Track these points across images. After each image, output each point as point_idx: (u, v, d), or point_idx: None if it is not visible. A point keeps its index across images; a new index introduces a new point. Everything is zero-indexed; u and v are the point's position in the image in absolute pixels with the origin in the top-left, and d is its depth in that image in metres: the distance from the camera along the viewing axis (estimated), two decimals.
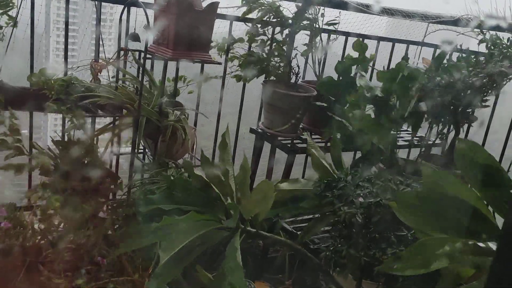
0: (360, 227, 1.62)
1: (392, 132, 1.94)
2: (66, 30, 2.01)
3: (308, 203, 1.85)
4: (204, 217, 1.55)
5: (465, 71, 1.92)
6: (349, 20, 2.53)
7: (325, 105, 2.00)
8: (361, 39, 2.12)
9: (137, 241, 1.52)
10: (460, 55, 2.00)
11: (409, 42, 2.65)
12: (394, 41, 2.62)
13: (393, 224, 1.60)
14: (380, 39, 2.53)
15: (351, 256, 1.62)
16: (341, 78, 2.06)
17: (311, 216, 2.03)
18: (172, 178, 1.67)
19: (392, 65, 2.54)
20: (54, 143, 1.72)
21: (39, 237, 1.63)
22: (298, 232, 2.02)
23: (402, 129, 2.43)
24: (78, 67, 2.06)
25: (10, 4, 1.74)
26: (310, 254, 1.78)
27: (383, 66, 2.25)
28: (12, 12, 1.78)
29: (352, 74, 2.06)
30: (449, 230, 1.20)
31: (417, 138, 2.35)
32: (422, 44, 2.64)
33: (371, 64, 2.20)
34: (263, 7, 2.06)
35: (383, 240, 1.61)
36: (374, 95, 1.89)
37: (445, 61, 1.99)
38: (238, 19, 2.14)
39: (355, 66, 2.06)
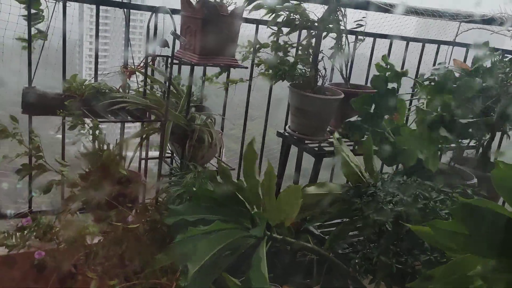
0: (391, 234, 1.58)
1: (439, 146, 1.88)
2: (96, 37, 2.06)
3: (336, 207, 1.82)
4: (229, 226, 1.55)
5: (502, 74, 1.85)
6: (377, 21, 2.48)
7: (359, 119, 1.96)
8: (386, 54, 2.06)
9: (164, 256, 1.53)
10: (495, 58, 1.93)
11: (440, 42, 2.58)
12: (423, 41, 2.55)
13: None
14: (409, 39, 2.47)
15: (381, 263, 1.58)
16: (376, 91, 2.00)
17: (339, 221, 2.00)
18: (194, 189, 1.67)
19: (422, 66, 2.47)
20: (81, 155, 1.76)
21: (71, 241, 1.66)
22: (326, 237, 1.99)
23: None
24: (108, 73, 2.11)
25: (40, 18, 1.80)
26: (337, 260, 1.75)
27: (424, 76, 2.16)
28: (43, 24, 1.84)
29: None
30: (482, 249, 1.14)
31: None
32: (454, 44, 2.56)
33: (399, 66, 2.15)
34: (288, 11, 2.04)
35: (415, 247, 1.56)
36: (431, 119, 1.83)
37: (480, 62, 1.92)
38: (264, 23, 2.14)
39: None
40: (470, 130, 1.87)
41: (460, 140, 2.06)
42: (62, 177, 1.68)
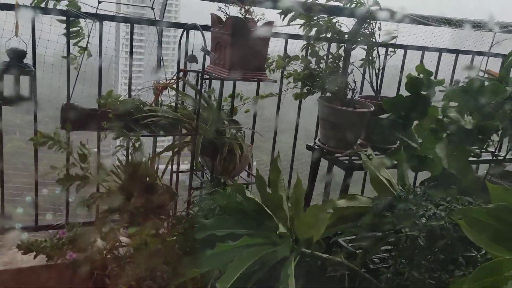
0: (423, 249, 1.54)
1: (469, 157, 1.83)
2: (131, 54, 2.13)
3: (366, 221, 1.79)
4: (257, 241, 1.55)
5: None
6: (408, 32, 2.45)
7: (384, 117, 1.93)
8: (423, 63, 2.04)
9: (194, 270, 1.55)
10: None
11: (474, 53, 2.52)
12: (457, 52, 2.50)
13: (460, 245, 1.51)
14: (442, 50, 2.43)
15: (414, 278, 1.54)
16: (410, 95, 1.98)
17: (371, 234, 1.97)
18: (224, 202, 1.69)
19: (456, 77, 2.42)
20: (116, 167, 1.81)
21: (105, 252, 1.71)
22: (357, 251, 1.96)
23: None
24: (141, 88, 2.17)
25: (81, 36, 1.88)
26: (369, 276, 1.72)
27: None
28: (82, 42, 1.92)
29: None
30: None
31: (487, 153, 2.21)
32: (489, 54, 2.49)
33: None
34: (319, 24, 2.05)
35: (449, 262, 1.52)
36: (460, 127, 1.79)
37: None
38: (293, 37, 2.16)
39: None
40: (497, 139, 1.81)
41: (495, 152, 1.99)
42: (98, 192, 1.73)
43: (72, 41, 1.93)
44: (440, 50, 2.43)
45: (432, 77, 2.04)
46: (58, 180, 1.79)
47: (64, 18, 1.88)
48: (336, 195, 2.12)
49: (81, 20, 1.93)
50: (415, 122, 1.96)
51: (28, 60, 1.85)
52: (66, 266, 1.69)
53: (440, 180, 1.83)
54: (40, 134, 1.78)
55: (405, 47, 2.39)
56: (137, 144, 1.77)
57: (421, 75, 1.92)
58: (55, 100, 2.23)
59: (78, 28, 1.93)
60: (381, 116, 1.97)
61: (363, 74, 2.25)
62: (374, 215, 1.73)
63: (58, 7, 1.86)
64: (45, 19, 1.90)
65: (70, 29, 1.91)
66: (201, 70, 1.98)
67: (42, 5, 1.85)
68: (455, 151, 1.75)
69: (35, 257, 1.69)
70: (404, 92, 2.02)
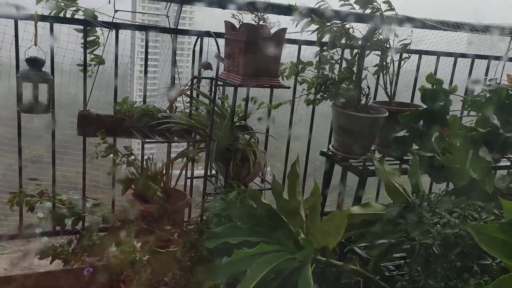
0: (438, 256, 1.52)
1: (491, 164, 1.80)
2: (146, 61, 2.16)
3: (380, 228, 1.78)
4: (273, 248, 1.55)
5: None
6: (422, 37, 2.43)
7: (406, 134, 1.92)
8: (432, 72, 2.02)
9: (210, 278, 1.55)
10: None
11: (491, 58, 2.49)
12: (473, 57, 2.47)
13: (475, 253, 1.49)
14: (457, 55, 2.40)
15: (429, 286, 1.52)
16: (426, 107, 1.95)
17: (384, 241, 1.95)
18: (238, 205, 1.69)
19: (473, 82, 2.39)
20: (131, 173, 1.83)
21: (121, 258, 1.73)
22: (372, 258, 1.94)
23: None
24: (157, 95, 2.20)
25: (96, 44, 1.92)
26: (383, 283, 1.70)
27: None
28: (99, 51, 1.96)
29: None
30: None
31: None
32: (506, 59, 2.46)
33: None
34: (332, 30, 2.05)
35: (465, 270, 1.50)
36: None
37: None
38: (306, 43, 2.16)
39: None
40: None
41: None
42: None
43: (88, 50, 1.96)
44: (455, 55, 2.41)
45: (447, 83, 2.03)
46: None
47: (81, 27, 1.92)
48: (350, 201, 2.11)
49: (97, 28, 1.97)
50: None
51: (46, 68, 1.89)
52: (83, 271, 1.72)
53: (464, 190, 1.81)
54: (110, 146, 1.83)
55: (420, 52, 2.37)
56: (131, 158, 1.79)
57: (434, 86, 1.90)
58: (72, 106, 2.27)
59: (95, 37, 1.96)
60: (399, 134, 1.95)
61: (377, 79, 2.24)
62: (388, 222, 1.72)
63: (76, 16, 1.90)
64: (63, 28, 1.95)
65: (87, 38, 1.95)
66: (215, 77, 1.99)
67: (60, 15, 1.89)
68: (479, 160, 1.72)
69: (51, 262, 1.72)
70: (419, 97, 2.00)
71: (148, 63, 2.15)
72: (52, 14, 1.85)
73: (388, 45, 2.06)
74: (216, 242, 1.56)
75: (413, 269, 1.58)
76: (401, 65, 2.20)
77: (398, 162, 2.16)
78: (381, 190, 2.50)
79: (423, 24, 2.19)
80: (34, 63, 1.85)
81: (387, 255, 1.77)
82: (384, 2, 1.98)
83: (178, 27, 2.11)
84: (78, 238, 1.75)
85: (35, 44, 1.85)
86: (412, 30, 2.14)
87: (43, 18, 1.83)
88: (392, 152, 2.00)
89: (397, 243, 1.75)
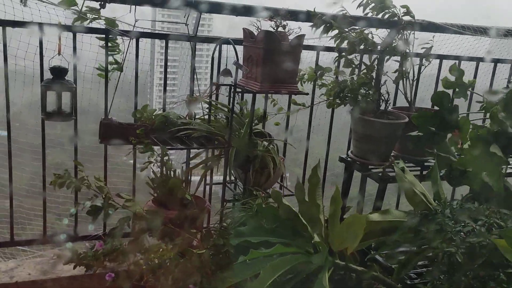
0: (462, 265, 1.49)
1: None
2: (165, 68, 2.19)
3: (401, 236, 1.75)
4: (291, 249, 1.55)
5: None
6: (443, 42, 2.40)
7: (420, 134, 1.89)
8: (456, 62, 2.00)
9: (229, 278, 1.55)
10: None
11: None
12: (495, 61, 2.42)
13: (501, 261, 1.45)
14: (479, 60, 2.36)
15: None
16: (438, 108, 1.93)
17: (407, 249, 1.92)
18: (262, 206, 1.70)
19: (495, 87, 2.36)
20: (150, 180, 1.85)
21: (142, 264, 1.75)
22: (392, 266, 1.92)
23: None
24: (176, 102, 2.22)
25: (117, 50, 1.95)
26: None
27: None
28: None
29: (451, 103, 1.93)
30: None
31: None
32: None
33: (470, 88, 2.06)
34: (351, 36, 2.05)
35: (490, 279, 1.46)
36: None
37: None
38: (325, 49, 2.16)
39: (452, 91, 1.94)
40: None
41: None
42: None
43: (110, 55, 2.00)
44: (476, 60, 2.37)
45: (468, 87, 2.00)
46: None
47: (103, 36, 1.96)
48: (370, 208, 2.09)
49: (118, 37, 2.01)
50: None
51: (69, 76, 1.94)
52: (105, 276, 1.74)
53: (480, 194, 1.78)
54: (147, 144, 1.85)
55: (440, 57, 2.34)
56: (165, 158, 1.81)
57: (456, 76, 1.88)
58: (93, 114, 2.31)
59: (115, 45, 2.00)
60: (412, 134, 1.93)
61: (397, 85, 2.22)
62: (409, 229, 1.70)
63: (97, 26, 1.94)
64: (85, 38, 1.99)
65: (108, 48, 1.99)
66: (233, 84, 2.01)
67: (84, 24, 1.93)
68: (491, 158, 1.69)
69: (74, 267, 1.75)
70: None
71: (168, 70, 2.18)
72: (74, 24, 1.89)
73: (408, 50, 2.04)
74: (239, 240, 1.57)
75: (436, 278, 1.56)
76: (422, 70, 2.17)
77: (418, 168, 2.14)
78: (402, 197, 2.47)
79: (443, 28, 2.16)
80: (58, 72, 1.89)
81: (409, 264, 1.74)
82: (402, 7, 1.96)
83: (197, 35, 2.14)
84: (102, 242, 1.77)
85: (59, 53, 1.89)
86: (433, 35, 2.11)
87: (66, 28, 1.88)
88: (406, 153, 1.97)
89: (419, 251, 1.73)
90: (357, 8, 2.01)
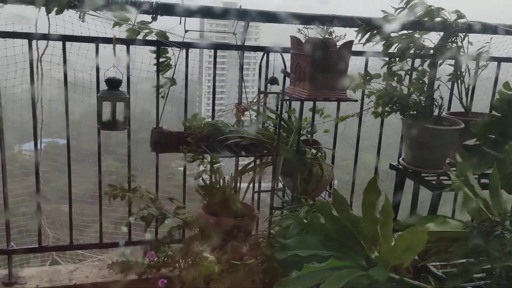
0: None
1: None
2: (214, 78, 2.23)
3: (458, 247, 1.68)
4: (344, 263, 1.51)
5: None
6: (501, 44, 2.28)
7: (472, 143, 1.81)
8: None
9: None
10: None
11: None
12: None
13: None
14: None
15: None
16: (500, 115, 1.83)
17: (464, 260, 1.84)
18: (305, 220, 1.68)
19: None
20: (199, 188, 1.89)
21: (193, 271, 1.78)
22: (448, 277, 1.84)
23: None
24: (224, 111, 2.26)
25: (169, 66, 2.02)
26: None
27: None
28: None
29: None
30: None
31: None
32: None
33: None
34: (401, 40, 2.00)
35: None
36: None
37: None
38: (374, 54, 2.11)
39: None
40: None
41: None
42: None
43: (161, 72, 2.06)
44: None
45: None
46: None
47: (155, 48, 2.02)
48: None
49: (168, 49, 2.07)
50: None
51: (123, 87, 2.02)
52: (158, 280, 1.79)
53: None
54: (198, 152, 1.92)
55: (498, 60, 2.23)
56: (215, 166, 1.83)
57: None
58: (145, 122, 2.39)
59: (166, 58, 2.06)
60: (469, 143, 1.84)
61: (451, 89, 2.14)
62: (467, 240, 1.62)
63: (149, 38, 2.01)
64: (137, 50, 2.06)
65: (159, 59, 2.05)
66: (281, 92, 2.01)
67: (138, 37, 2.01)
68: None
69: (128, 273, 1.81)
70: None
71: (216, 78, 2.21)
72: (127, 37, 1.97)
73: (462, 53, 1.96)
74: (286, 254, 1.56)
75: None
76: (478, 73, 2.08)
77: (476, 176, 2.04)
78: (446, 204, 2.37)
79: (501, 30, 2.06)
80: (113, 83, 1.97)
81: (466, 276, 1.66)
82: (454, 12, 1.89)
83: (245, 44, 2.16)
84: (153, 249, 1.82)
85: (113, 66, 1.97)
86: (491, 37, 2.02)
87: (120, 41, 1.96)
88: (461, 159, 1.88)
89: (477, 262, 1.65)
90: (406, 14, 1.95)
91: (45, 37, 1.88)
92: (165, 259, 1.74)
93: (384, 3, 2.08)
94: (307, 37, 1.94)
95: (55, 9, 1.74)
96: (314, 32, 1.95)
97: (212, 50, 2.18)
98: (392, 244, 1.57)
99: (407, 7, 1.95)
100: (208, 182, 1.95)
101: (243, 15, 1.99)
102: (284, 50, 2.04)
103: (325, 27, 1.92)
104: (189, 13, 1.92)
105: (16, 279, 2.02)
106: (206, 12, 2.00)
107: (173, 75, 2.05)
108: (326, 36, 1.93)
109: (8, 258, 2.05)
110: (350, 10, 2.07)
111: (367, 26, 1.99)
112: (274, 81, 2.06)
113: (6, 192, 2.03)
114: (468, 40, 1.94)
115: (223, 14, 1.98)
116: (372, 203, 1.62)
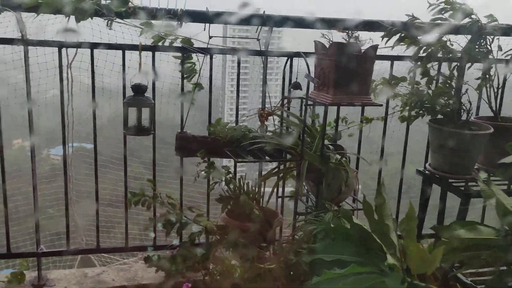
0: None
1: None
2: (238, 83, 2.24)
3: (490, 254, 1.64)
4: (365, 269, 1.50)
5: None
6: None
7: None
8: None
9: None
10: None
11: None
12: None
13: None
14: None
15: None
16: None
17: (495, 269, 1.78)
18: (332, 225, 1.67)
19: None
20: (225, 191, 1.89)
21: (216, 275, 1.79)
22: (478, 287, 1.79)
23: None
24: (248, 116, 2.26)
25: (194, 72, 2.04)
26: None
27: None
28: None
29: None
30: None
31: None
32: None
33: None
34: (428, 43, 1.97)
35: None
36: None
37: None
38: (398, 58, 2.09)
39: None
40: None
41: None
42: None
43: (187, 78, 2.08)
44: None
45: None
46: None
47: (180, 54, 2.05)
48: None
49: (193, 55, 2.09)
50: None
51: (148, 93, 2.05)
52: (182, 285, 1.80)
53: None
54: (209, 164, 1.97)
55: None
56: (228, 176, 1.85)
57: None
58: (170, 127, 2.42)
59: (191, 63, 2.08)
60: (507, 161, 1.78)
61: (480, 93, 2.09)
62: (499, 247, 1.57)
63: (174, 44, 2.03)
64: (162, 56, 2.10)
65: (184, 65, 2.07)
66: (305, 97, 2.00)
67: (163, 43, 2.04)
68: None
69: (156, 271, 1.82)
70: None
71: (239, 83, 2.22)
72: (152, 44, 2.00)
73: (491, 56, 1.91)
74: (312, 257, 1.56)
75: None
76: (508, 77, 2.03)
77: (506, 182, 1.98)
78: (487, 212, 2.30)
79: None
80: (138, 89, 2.00)
81: (499, 284, 1.62)
82: (485, 17, 1.85)
83: (268, 49, 2.16)
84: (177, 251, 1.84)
85: (139, 72, 2.01)
86: None
87: (146, 47, 1.99)
88: (497, 175, 1.83)
89: (509, 271, 1.60)
90: (432, 16, 1.92)
91: (74, 45, 1.93)
92: (190, 264, 1.75)
93: (413, 4, 2.05)
94: (331, 42, 1.93)
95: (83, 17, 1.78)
96: (338, 36, 1.94)
97: (235, 56, 2.19)
98: (416, 251, 1.55)
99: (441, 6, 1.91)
100: (231, 188, 1.96)
101: (266, 20, 1.99)
102: (308, 55, 2.03)
103: (350, 32, 1.91)
104: (213, 19, 1.94)
105: (45, 281, 2.07)
106: (230, 19, 2.02)
107: (197, 80, 2.07)
108: (351, 40, 1.92)
109: (38, 260, 2.10)
110: (372, 13, 2.05)
111: (395, 29, 1.96)
112: (297, 86, 2.05)
113: (36, 195, 2.08)
114: (498, 44, 1.90)
115: (246, 20, 1.99)
116: (381, 210, 1.61)
